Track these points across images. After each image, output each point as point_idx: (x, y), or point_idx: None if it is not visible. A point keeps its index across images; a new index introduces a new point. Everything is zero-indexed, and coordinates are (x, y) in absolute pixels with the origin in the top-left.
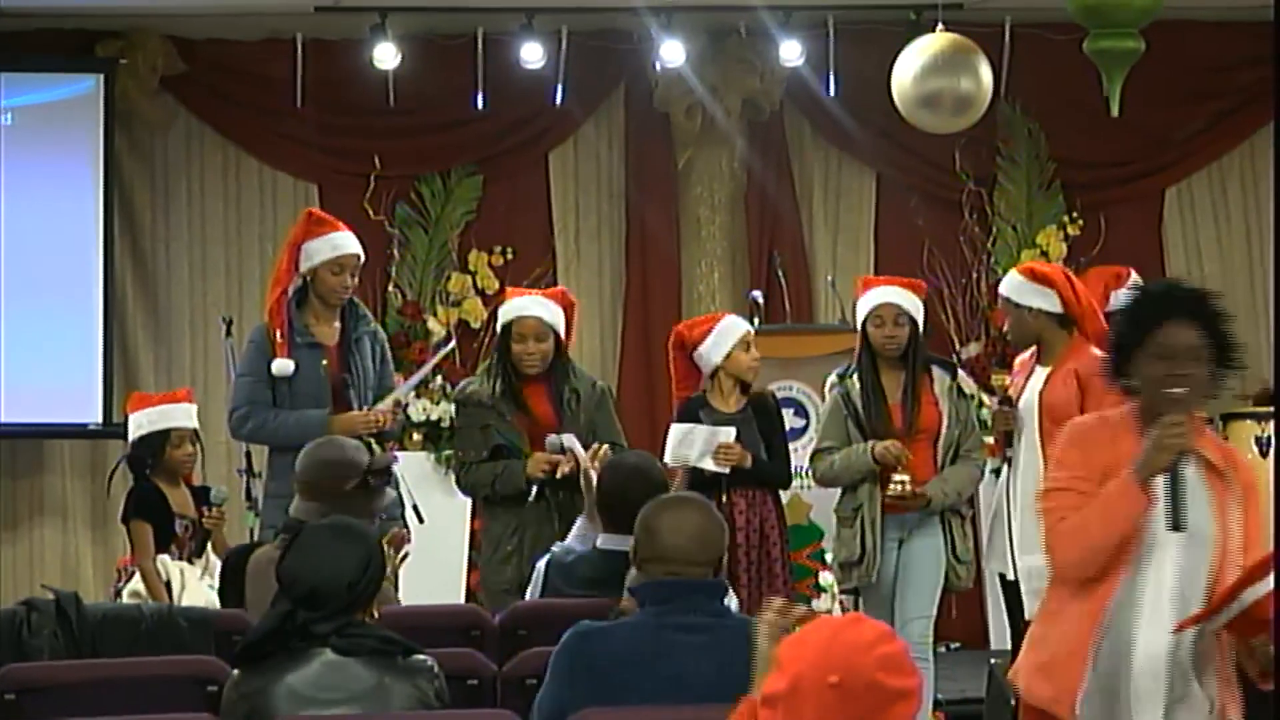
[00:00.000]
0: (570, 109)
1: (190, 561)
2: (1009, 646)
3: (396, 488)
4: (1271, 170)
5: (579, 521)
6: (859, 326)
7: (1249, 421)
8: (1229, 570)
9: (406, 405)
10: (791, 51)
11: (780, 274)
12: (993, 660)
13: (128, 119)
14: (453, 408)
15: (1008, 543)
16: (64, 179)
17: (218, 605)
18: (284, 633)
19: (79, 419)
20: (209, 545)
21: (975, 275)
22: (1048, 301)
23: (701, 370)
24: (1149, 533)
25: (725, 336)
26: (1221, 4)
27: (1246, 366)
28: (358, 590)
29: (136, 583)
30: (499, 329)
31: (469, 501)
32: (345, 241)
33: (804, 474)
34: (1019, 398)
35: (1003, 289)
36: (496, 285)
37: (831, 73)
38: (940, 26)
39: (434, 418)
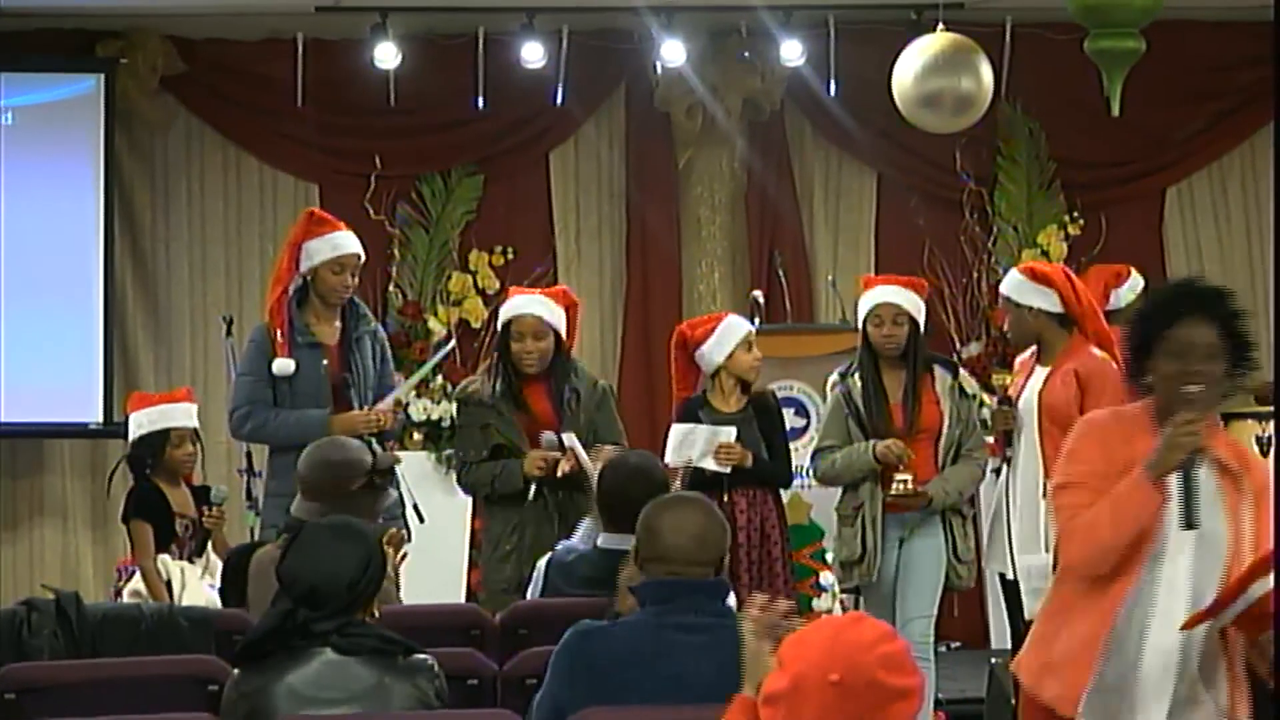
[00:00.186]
0: (571, 109)
1: (190, 561)
2: (1009, 646)
3: (396, 487)
4: (1272, 170)
5: (585, 522)
6: (860, 326)
7: (1249, 421)
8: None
9: (406, 405)
10: (792, 51)
11: (781, 274)
12: (993, 660)
13: (128, 119)
14: (454, 407)
15: (1007, 542)
16: (64, 179)
17: (218, 605)
18: (284, 632)
19: (79, 419)
20: (209, 545)
21: (976, 275)
22: (1047, 301)
23: (702, 370)
24: (1162, 532)
25: (728, 336)
26: (1222, 4)
27: (1260, 366)
28: (358, 589)
29: (137, 582)
30: (499, 328)
31: (469, 501)
32: (346, 241)
33: (805, 473)
34: (1019, 397)
35: (1003, 288)
36: (497, 285)
37: (832, 72)
38: (941, 26)
39: (434, 417)
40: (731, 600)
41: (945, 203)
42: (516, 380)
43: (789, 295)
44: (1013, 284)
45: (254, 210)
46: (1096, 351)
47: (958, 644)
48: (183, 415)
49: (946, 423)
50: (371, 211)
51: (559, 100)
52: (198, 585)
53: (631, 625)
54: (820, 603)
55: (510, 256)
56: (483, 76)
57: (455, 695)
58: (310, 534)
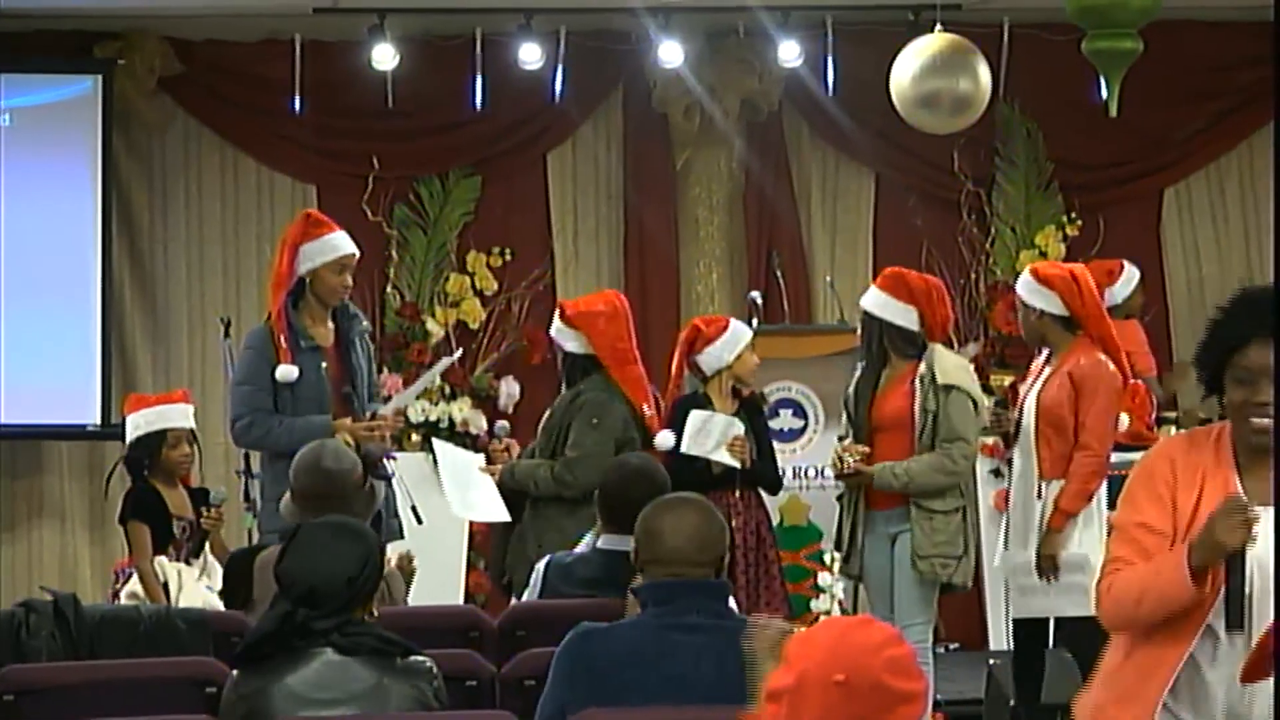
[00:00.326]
0: (568, 110)
1: (188, 563)
2: (1008, 647)
3: (381, 478)
4: (1271, 170)
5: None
6: None
7: None
8: None
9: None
10: (790, 52)
11: (779, 274)
12: (991, 661)
13: (126, 120)
14: (454, 408)
15: (1003, 542)
16: (62, 180)
17: (215, 606)
18: (284, 633)
19: (77, 420)
20: (207, 546)
21: (974, 276)
22: (1049, 303)
23: (704, 369)
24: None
25: (737, 337)
26: (1220, 4)
27: None
28: (357, 586)
29: (134, 584)
30: None
31: None
32: (345, 242)
33: (804, 474)
34: (1024, 399)
35: (1017, 287)
36: (495, 286)
37: (830, 73)
38: (939, 27)
39: (433, 418)
40: (731, 602)
41: (943, 203)
42: None
43: (787, 296)
44: (1021, 284)
45: (252, 211)
46: (1100, 355)
47: (956, 645)
48: (179, 416)
49: (915, 413)
50: (369, 213)
51: (557, 101)
52: (195, 587)
53: (632, 626)
54: (819, 604)
55: (508, 258)
56: (480, 78)
57: (454, 696)
58: (307, 533)
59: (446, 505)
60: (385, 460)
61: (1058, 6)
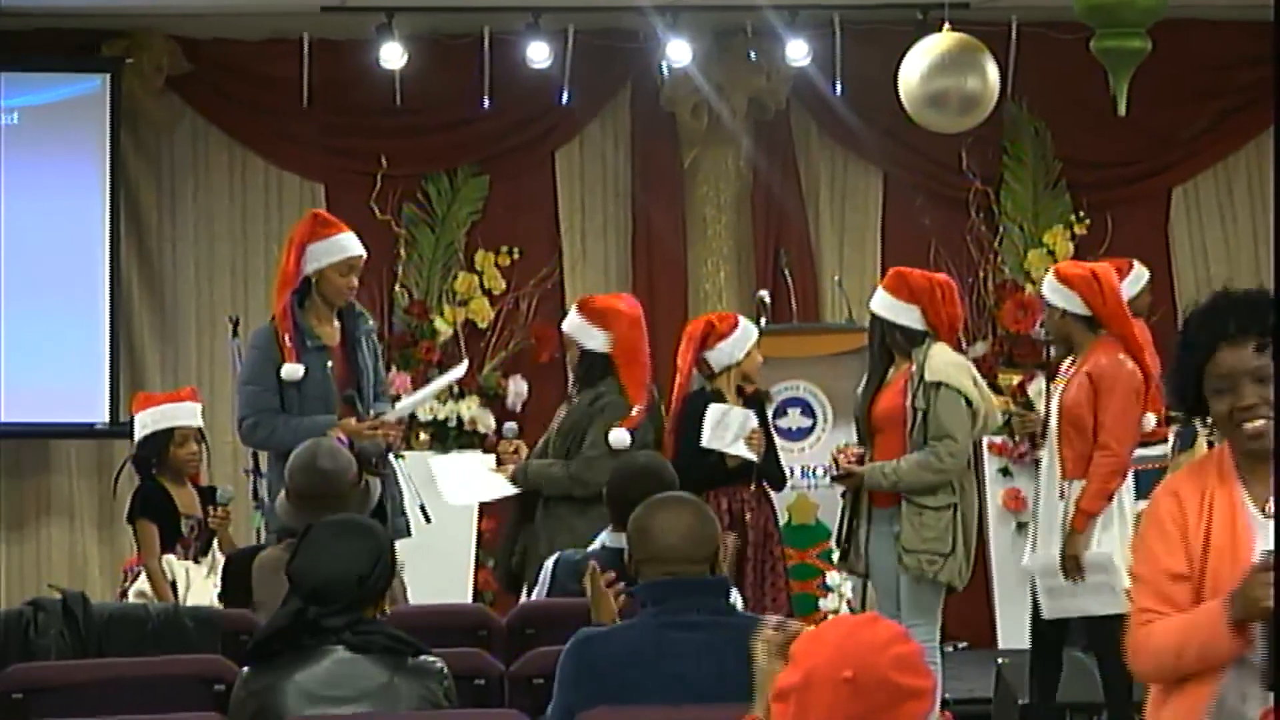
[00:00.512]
0: (576, 108)
1: (196, 561)
2: (1020, 645)
3: (377, 474)
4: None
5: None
6: None
7: None
8: None
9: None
10: (798, 51)
11: (786, 273)
12: (1000, 660)
13: (133, 119)
14: (462, 407)
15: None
16: (70, 178)
17: None
18: (295, 630)
19: (85, 419)
20: (215, 545)
21: (982, 274)
22: (1071, 303)
23: (712, 365)
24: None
25: (748, 335)
26: (1228, 3)
27: None
28: (368, 584)
29: (142, 582)
30: None
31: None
32: (352, 244)
33: (812, 473)
34: (1050, 399)
35: (1042, 287)
36: (503, 285)
37: (838, 72)
38: (947, 26)
39: (440, 418)
40: (735, 598)
41: (951, 202)
42: None
43: (794, 294)
44: (1045, 285)
45: (259, 210)
46: (1120, 355)
47: (964, 644)
48: (186, 414)
49: (908, 411)
50: (377, 211)
51: (564, 100)
52: (203, 585)
53: (632, 627)
54: (827, 602)
55: (516, 256)
56: (488, 76)
57: (463, 695)
58: (319, 532)
59: (455, 505)
60: (385, 459)
61: (1066, 5)
